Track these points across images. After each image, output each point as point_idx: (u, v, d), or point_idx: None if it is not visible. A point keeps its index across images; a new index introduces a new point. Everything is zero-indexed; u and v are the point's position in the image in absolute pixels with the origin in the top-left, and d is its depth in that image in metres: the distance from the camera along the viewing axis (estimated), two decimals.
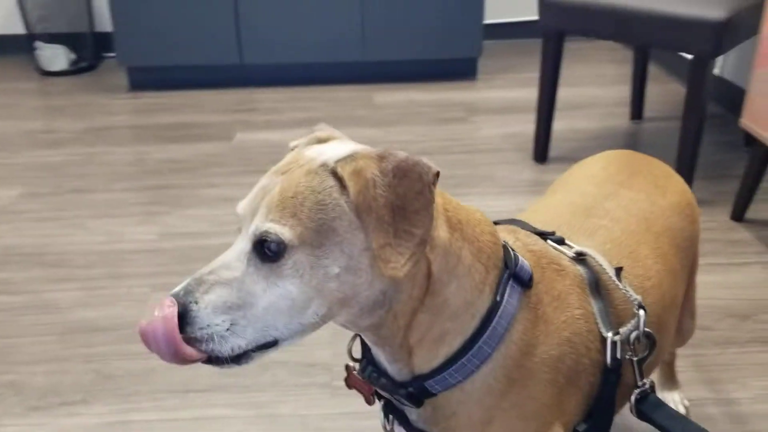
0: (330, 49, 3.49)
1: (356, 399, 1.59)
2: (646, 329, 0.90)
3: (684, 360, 1.65)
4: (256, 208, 0.77)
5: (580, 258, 0.93)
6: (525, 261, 0.85)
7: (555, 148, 2.79)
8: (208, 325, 0.74)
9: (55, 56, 3.83)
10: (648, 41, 2.26)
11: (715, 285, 1.94)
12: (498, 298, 0.81)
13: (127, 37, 3.45)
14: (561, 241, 0.95)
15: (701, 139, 2.33)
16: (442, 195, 0.82)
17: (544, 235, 0.95)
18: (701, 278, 1.37)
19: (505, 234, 0.90)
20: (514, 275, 0.83)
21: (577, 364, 0.87)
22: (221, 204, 2.44)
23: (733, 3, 2.10)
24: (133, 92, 3.58)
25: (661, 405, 0.93)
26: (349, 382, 0.94)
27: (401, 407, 0.89)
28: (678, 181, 1.18)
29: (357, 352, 0.92)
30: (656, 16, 2.19)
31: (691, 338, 1.49)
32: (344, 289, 0.75)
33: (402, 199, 0.72)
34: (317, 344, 1.76)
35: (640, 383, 0.92)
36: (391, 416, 0.92)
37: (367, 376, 0.88)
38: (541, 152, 2.67)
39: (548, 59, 2.54)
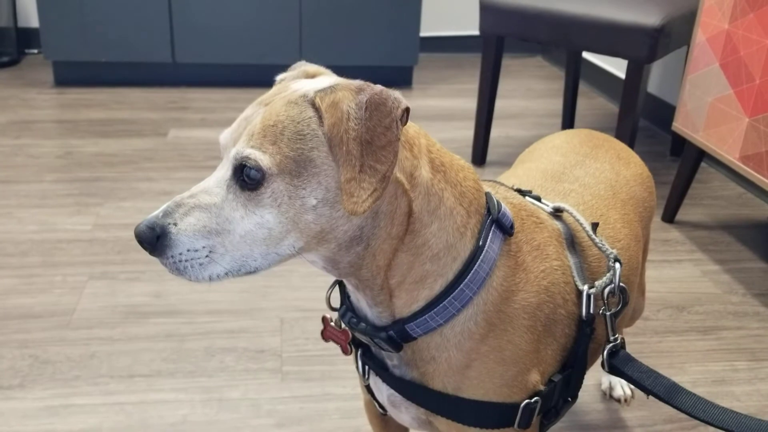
0: (267, 52, 3.47)
1: (308, 383, 1.58)
2: (621, 284, 0.92)
3: (627, 347, 1.69)
4: (238, 137, 0.76)
5: (556, 214, 0.95)
6: (507, 209, 0.86)
7: (491, 153, 2.85)
8: (188, 251, 0.74)
9: None
10: (585, 46, 2.34)
11: (651, 279, 2.00)
12: (480, 243, 0.82)
13: (53, 31, 3.33)
14: (538, 199, 0.97)
15: (635, 143, 2.42)
16: (426, 136, 0.83)
17: (521, 193, 0.97)
18: None
19: (486, 187, 0.92)
20: (496, 221, 0.84)
21: (554, 313, 0.88)
22: (160, 197, 2.37)
23: (668, 11, 2.21)
24: (59, 88, 3.45)
25: (632, 360, 0.95)
26: (325, 335, 0.93)
27: (380, 354, 0.89)
28: (636, 155, 1.23)
29: (335, 301, 0.92)
30: (594, 21, 2.27)
31: (633, 325, 1.54)
32: (321, 222, 0.75)
33: (371, 133, 0.72)
34: (266, 332, 1.73)
35: (612, 338, 0.94)
36: (367, 368, 0.91)
37: (347, 322, 0.88)
38: (480, 155, 2.71)
39: (488, 63, 2.60)
